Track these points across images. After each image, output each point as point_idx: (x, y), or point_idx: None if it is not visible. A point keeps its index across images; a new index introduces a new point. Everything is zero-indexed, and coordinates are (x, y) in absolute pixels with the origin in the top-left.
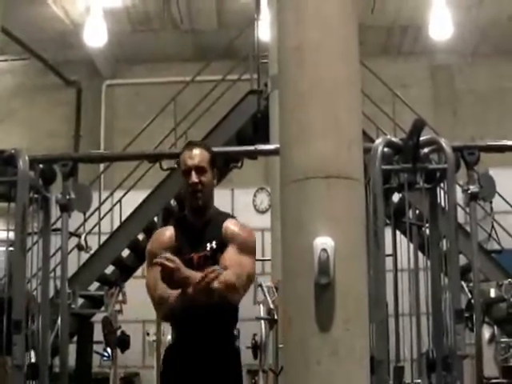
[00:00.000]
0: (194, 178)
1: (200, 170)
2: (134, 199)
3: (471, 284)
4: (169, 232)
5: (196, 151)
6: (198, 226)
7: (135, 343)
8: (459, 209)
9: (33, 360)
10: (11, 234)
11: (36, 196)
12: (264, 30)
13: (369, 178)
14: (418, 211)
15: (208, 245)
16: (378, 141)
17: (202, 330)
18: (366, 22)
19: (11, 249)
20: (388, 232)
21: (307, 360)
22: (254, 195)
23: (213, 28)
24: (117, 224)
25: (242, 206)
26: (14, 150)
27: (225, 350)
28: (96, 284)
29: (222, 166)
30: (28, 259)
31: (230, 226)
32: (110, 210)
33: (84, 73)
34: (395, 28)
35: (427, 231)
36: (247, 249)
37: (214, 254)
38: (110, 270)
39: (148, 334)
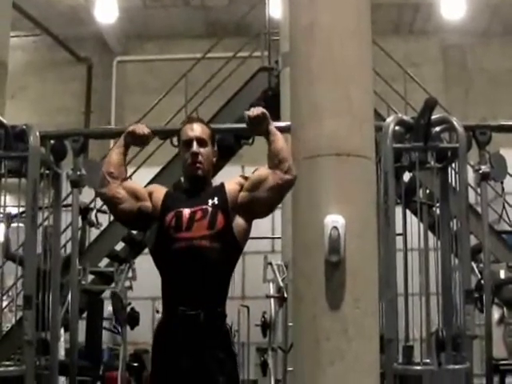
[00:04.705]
0: (195, 147)
1: (201, 141)
2: (144, 176)
3: (481, 265)
4: (163, 190)
5: (197, 125)
6: (196, 191)
7: (145, 320)
8: (470, 189)
9: None
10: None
11: (47, 172)
12: (275, 7)
13: (380, 156)
14: (428, 190)
15: (210, 201)
16: (390, 119)
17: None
18: (378, 0)
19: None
20: (398, 211)
21: (317, 337)
22: None
23: (224, 4)
24: None
25: None
26: (25, 126)
27: (215, 330)
28: (106, 260)
29: (233, 142)
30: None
31: (231, 181)
32: None
33: (95, 49)
34: (407, 6)
35: (438, 211)
36: None
37: (214, 210)
38: (119, 246)
39: (157, 312)
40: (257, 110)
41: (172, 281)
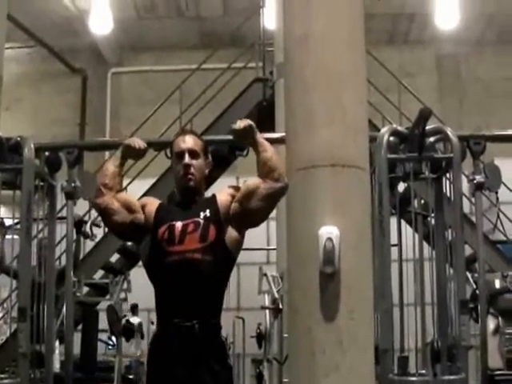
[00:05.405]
0: (187, 159)
1: (193, 153)
2: (138, 188)
3: (476, 274)
4: (156, 202)
5: (189, 137)
6: (188, 203)
7: None
8: (464, 199)
9: None
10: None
11: (41, 184)
12: (270, 18)
13: (374, 167)
14: (423, 201)
15: (201, 213)
16: (384, 130)
17: (187, 311)
18: (372, 10)
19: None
20: (393, 221)
21: (312, 349)
22: None
23: (218, 15)
24: None
25: None
26: (19, 138)
27: (210, 342)
28: (101, 272)
29: (228, 154)
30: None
31: (223, 192)
32: None
33: (89, 60)
34: (401, 16)
35: (432, 221)
36: None
37: (206, 222)
38: (114, 258)
39: (153, 323)
40: (243, 123)
41: (166, 293)
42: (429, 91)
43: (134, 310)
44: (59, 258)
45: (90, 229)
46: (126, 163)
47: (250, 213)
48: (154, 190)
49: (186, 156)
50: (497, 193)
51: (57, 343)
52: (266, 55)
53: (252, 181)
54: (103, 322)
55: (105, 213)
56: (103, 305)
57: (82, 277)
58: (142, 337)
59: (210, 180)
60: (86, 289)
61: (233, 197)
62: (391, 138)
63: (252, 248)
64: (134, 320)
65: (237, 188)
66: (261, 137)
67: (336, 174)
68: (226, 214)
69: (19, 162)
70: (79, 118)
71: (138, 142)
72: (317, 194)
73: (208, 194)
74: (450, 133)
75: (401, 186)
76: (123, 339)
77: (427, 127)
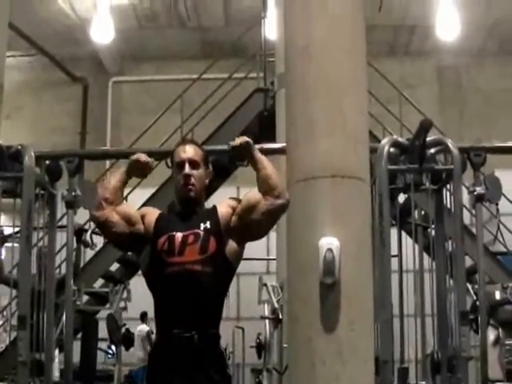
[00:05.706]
0: (188, 170)
1: (193, 163)
2: (139, 197)
3: (476, 286)
4: (156, 212)
5: (190, 147)
6: (188, 213)
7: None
8: (465, 210)
9: None
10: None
11: (42, 192)
12: (271, 28)
13: (375, 178)
14: (423, 212)
15: (202, 224)
16: (385, 141)
17: (187, 321)
18: (373, 22)
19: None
20: (393, 233)
21: (312, 360)
22: None
23: (220, 25)
24: None
25: None
26: (20, 146)
27: (209, 352)
28: (101, 281)
29: (228, 164)
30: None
31: (223, 204)
32: None
33: (90, 69)
34: (402, 28)
35: (433, 232)
36: None
37: (206, 234)
38: (114, 267)
39: (152, 332)
40: (240, 140)
41: (165, 304)
42: (429, 102)
43: (144, 318)
44: (59, 266)
45: (91, 238)
46: (128, 180)
47: (250, 227)
48: (154, 200)
49: (187, 166)
50: (497, 204)
51: (56, 352)
52: (267, 65)
53: (253, 193)
54: (103, 330)
55: (104, 226)
56: (103, 313)
57: (82, 285)
58: (151, 344)
59: (210, 190)
60: (85, 297)
61: (233, 209)
62: (392, 149)
63: (252, 258)
64: (143, 328)
65: (238, 200)
66: (259, 153)
67: (336, 185)
68: (227, 226)
69: (20, 171)
70: (80, 126)
71: (145, 157)
72: (317, 204)
73: (208, 203)
74: (450, 144)
75: (401, 197)
76: (123, 348)
77: (428, 139)
